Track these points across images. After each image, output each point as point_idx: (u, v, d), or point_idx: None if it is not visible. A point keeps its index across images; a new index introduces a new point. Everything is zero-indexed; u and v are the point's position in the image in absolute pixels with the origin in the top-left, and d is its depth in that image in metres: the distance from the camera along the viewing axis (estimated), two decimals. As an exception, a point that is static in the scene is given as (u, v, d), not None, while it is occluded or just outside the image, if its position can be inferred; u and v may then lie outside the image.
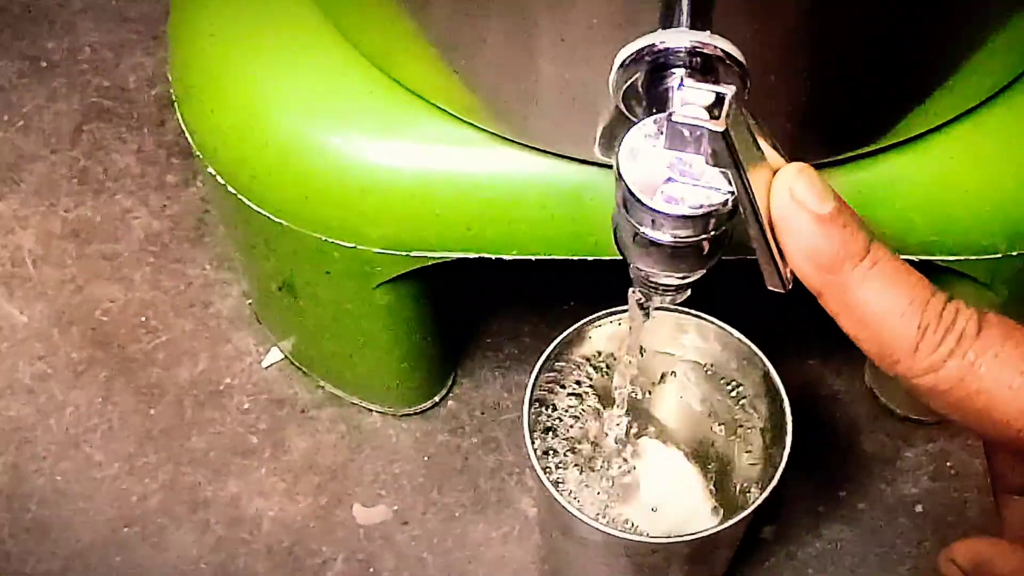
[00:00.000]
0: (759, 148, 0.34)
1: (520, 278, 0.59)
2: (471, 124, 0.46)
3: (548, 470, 0.52)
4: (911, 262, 0.49)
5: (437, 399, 0.63)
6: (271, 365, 0.64)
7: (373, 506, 0.60)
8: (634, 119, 0.39)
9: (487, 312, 0.66)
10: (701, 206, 0.35)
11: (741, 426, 0.53)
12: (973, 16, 0.41)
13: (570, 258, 0.49)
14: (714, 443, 0.55)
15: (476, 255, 0.49)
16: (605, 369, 0.53)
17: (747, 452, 0.53)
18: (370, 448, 0.62)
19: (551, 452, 0.53)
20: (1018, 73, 0.47)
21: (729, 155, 0.32)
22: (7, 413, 0.63)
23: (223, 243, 0.68)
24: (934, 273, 0.50)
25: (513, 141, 0.46)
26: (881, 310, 0.33)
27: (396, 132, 0.48)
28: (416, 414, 0.63)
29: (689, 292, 0.42)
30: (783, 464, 0.47)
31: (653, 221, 0.36)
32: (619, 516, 0.55)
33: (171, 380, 0.64)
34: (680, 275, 0.39)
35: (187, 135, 0.52)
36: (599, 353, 0.52)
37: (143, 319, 0.66)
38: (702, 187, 0.35)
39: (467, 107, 0.46)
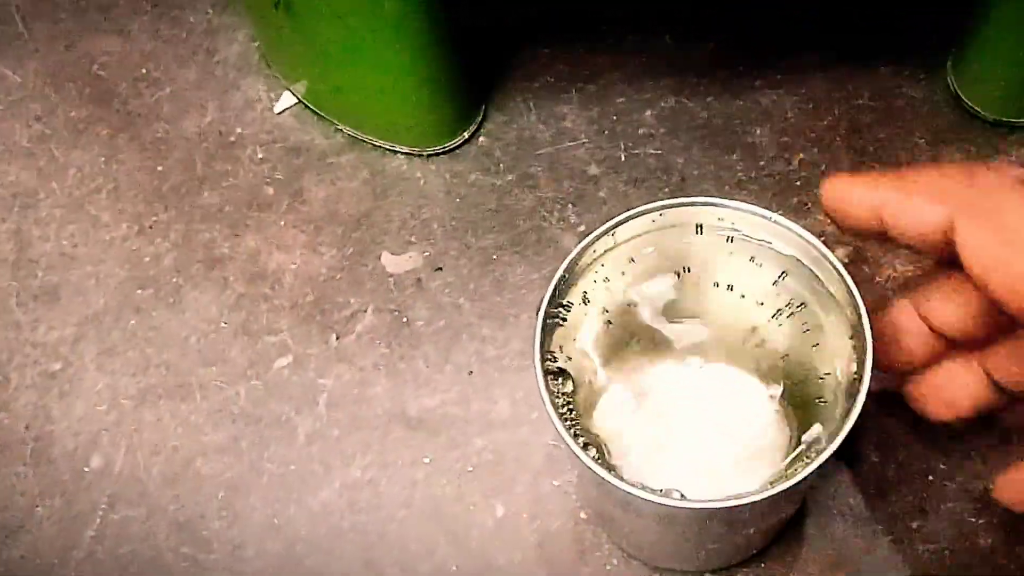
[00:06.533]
0: None
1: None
2: None
3: (576, 420, 0.39)
4: None
5: (467, 135, 0.57)
6: (284, 110, 0.59)
7: (402, 254, 0.55)
8: None
9: (517, 38, 0.59)
10: None
11: (809, 331, 0.41)
12: None
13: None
14: (780, 355, 0.43)
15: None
16: (638, 280, 0.41)
17: (820, 358, 0.41)
18: (396, 193, 0.56)
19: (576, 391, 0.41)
20: None
21: None
22: (7, 178, 0.58)
23: (225, -16, 0.61)
24: None
25: None
26: None
27: None
28: (444, 153, 0.57)
29: None
30: (864, 391, 0.35)
31: None
32: (672, 454, 0.43)
33: (178, 134, 0.59)
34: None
35: None
36: (631, 260, 0.41)
37: (144, 71, 0.61)
38: None
39: None
